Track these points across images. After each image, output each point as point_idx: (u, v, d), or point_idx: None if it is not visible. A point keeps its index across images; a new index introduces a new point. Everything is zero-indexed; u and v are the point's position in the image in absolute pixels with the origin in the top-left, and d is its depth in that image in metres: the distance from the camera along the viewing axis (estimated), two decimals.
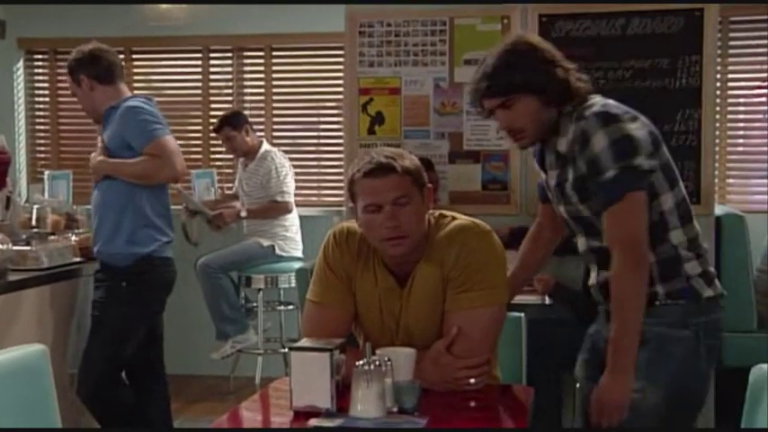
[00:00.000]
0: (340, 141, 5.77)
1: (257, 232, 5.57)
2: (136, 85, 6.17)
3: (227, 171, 6.27)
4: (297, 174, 5.80)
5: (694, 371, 2.35)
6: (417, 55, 4.25)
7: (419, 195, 2.36)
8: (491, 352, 2.41)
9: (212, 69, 6.39)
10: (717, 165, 4.99)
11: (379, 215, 2.31)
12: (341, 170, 5.60)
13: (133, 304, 3.63)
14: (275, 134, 6.30)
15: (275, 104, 6.33)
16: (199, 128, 6.41)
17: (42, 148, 6.67)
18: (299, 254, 5.60)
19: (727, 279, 3.50)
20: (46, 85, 6.63)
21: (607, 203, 2.28)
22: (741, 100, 5.76)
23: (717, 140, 4.76)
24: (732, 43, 5.63)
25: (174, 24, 6.26)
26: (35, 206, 4.17)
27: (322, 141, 6.34)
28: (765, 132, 5.63)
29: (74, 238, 4.00)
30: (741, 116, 5.78)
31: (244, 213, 5.57)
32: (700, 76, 4.02)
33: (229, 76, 6.38)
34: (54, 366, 2.22)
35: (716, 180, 4.72)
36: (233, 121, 5.61)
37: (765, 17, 5.50)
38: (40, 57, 6.62)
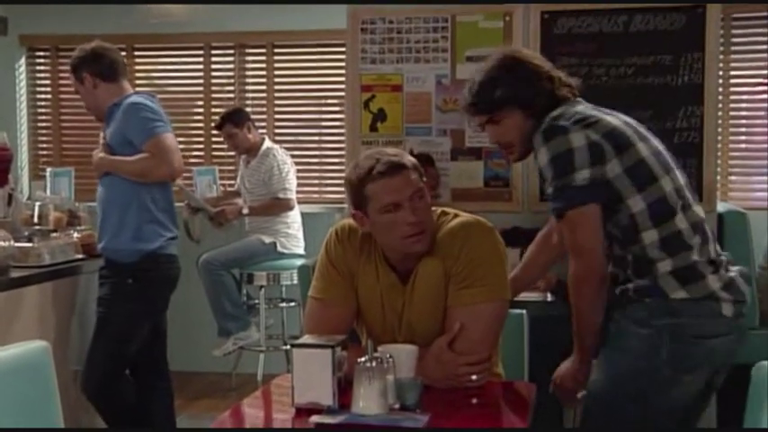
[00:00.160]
0: (342, 138, 5.79)
1: (259, 229, 5.57)
2: (138, 82, 6.16)
3: (229, 168, 6.26)
4: (298, 171, 5.80)
5: (649, 371, 2.30)
6: (419, 52, 4.25)
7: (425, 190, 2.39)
8: (493, 348, 2.41)
9: (214, 66, 6.38)
10: (719, 162, 4.99)
11: (397, 214, 2.31)
12: (343, 167, 5.60)
13: (139, 301, 3.64)
14: (277, 131, 6.30)
15: (277, 101, 6.33)
16: (201, 125, 6.41)
17: (44, 145, 6.67)
18: (301, 251, 5.60)
19: None
20: (48, 82, 6.63)
21: (555, 217, 2.38)
22: (743, 97, 5.75)
23: (719, 137, 4.76)
24: (734, 40, 5.62)
25: (176, 21, 6.26)
26: (37, 203, 4.17)
27: (324, 138, 6.34)
28: (767, 129, 5.63)
29: (76, 235, 4.00)
30: (743, 113, 5.77)
31: (246, 210, 5.57)
32: (702, 73, 4.01)
33: (231, 73, 6.37)
34: (56, 363, 2.22)
35: (718, 177, 4.71)
36: (235, 118, 5.61)
37: None
38: (41, 54, 6.62)
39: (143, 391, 3.75)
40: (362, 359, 2.04)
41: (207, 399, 5.38)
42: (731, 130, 5.71)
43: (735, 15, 5.55)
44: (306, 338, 2.22)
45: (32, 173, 6.58)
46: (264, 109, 6.32)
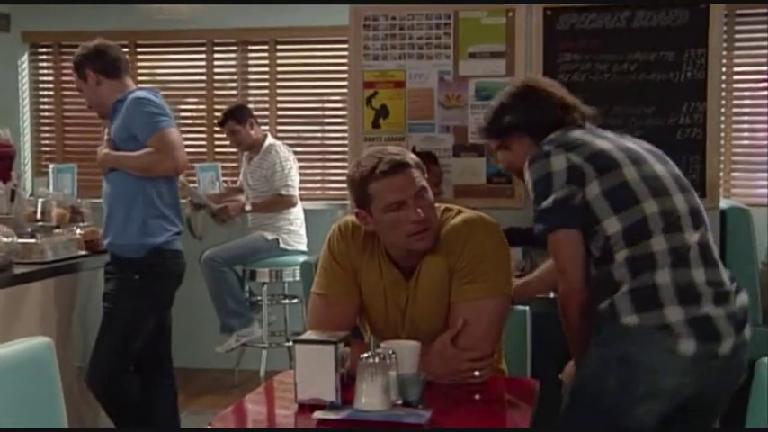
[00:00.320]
0: (344, 135, 5.77)
1: (262, 226, 5.57)
2: (140, 78, 6.17)
3: (232, 165, 6.26)
4: (301, 167, 5.80)
5: (595, 395, 2.26)
6: (422, 48, 4.25)
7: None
8: (496, 344, 2.42)
9: (217, 63, 6.38)
10: (722, 158, 4.98)
11: (401, 212, 2.32)
12: (345, 164, 5.59)
13: (145, 297, 3.64)
14: (279, 128, 6.30)
15: (280, 98, 6.33)
16: (203, 121, 6.41)
17: (47, 142, 6.68)
18: (304, 247, 5.60)
19: (731, 272, 3.48)
20: (50, 78, 6.64)
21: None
22: (746, 93, 5.74)
23: (722, 134, 4.75)
24: (738, 36, 5.61)
25: (179, 18, 6.26)
26: (40, 199, 4.17)
27: (326, 135, 6.34)
28: None
29: (79, 231, 4.00)
30: (746, 109, 5.76)
31: (248, 207, 5.57)
32: (705, 70, 4.01)
33: (234, 70, 6.37)
34: (58, 359, 2.22)
35: (721, 173, 4.70)
36: (237, 115, 5.60)
37: None
38: (44, 50, 6.63)
39: (147, 388, 3.76)
40: (365, 355, 2.04)
41: (210, 395, 5.38)
42: (734, 126, 5.70)
43: (738, 11, 5.55)
44: (308, 334, 2.22)
45: (35, 169, 6.59)
46: (267, 105, 6.32)
